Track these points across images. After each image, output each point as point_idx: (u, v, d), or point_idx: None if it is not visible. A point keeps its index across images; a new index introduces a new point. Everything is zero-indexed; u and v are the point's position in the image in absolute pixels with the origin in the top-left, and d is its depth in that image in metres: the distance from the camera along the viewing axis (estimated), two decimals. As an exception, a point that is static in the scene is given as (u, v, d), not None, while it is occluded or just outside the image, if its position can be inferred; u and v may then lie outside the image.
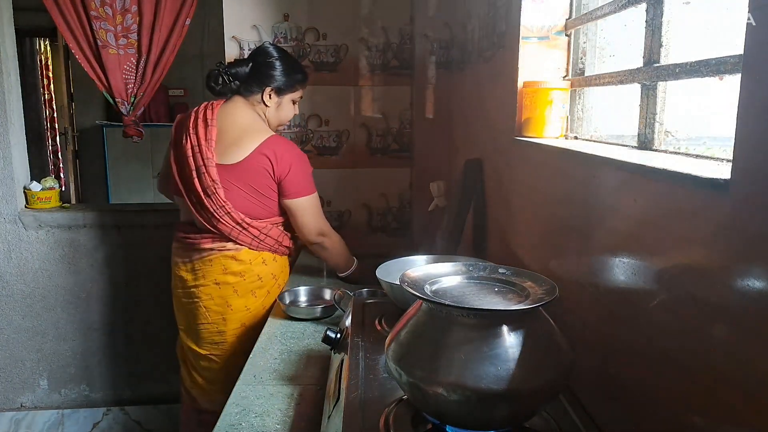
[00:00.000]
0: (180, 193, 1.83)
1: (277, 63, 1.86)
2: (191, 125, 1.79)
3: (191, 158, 1.77)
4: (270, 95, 1.86)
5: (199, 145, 1.76)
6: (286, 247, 1.94)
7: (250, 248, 1.84)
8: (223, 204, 1.77)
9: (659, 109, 0.97)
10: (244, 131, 1.80)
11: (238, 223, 1.80)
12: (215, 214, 1.77)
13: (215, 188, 1.75)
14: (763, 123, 0.57)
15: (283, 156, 1.78)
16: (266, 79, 1.85)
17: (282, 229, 1.91)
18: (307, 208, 1.85)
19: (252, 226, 1.81)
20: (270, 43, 1.95)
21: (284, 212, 1.88)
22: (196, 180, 1.76)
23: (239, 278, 1.84)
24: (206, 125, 1.78)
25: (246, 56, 2.05)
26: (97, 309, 2.73)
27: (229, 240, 1.82)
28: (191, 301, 1.87)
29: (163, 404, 2.82)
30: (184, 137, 1.79)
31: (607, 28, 1.26)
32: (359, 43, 2.53)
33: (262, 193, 1.81)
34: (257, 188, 1.80)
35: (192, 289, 1.86)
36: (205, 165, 1.75)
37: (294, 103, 1.93)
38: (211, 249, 1.83)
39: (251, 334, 1.82)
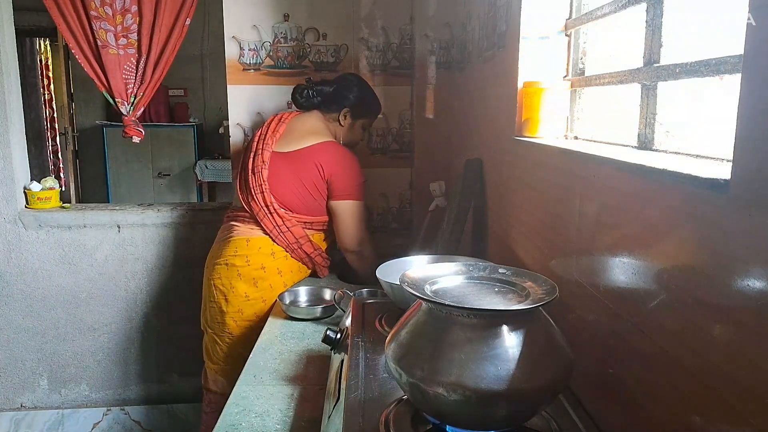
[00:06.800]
0: (236, 177, 2.03)
1: (359, 90, 2.05)
2: (266, 124, 2.01)
3: (255, 143, 1.97)
4: (345, 116, 2.03)
5: (265, 135, 1.96)
6: (306, 254, 1.96)
7: (270, 236, 1.91)
8: (262, 183, 1.89)
9: (659, 109, 0.97)
10: (309, 131, 1.97)
11: (266, 205, 1.89)
12: (252, 191, 1.90)
13: (261, 168, 1.90)
14: (763, 123, 0.57)
15: (336, 156, 1.92)
16: (346, 101, 2.02)
17: (307, 233, 1.95)
18: (351, 213, 1.95)
19: (277, 213, 1.89)
20: (353, 74, 2.19)
21: (318, 220, 1.95)
22: (250, 161, 1.94)
23: (244, 262, 1.89)
24: (279, 122, 1.99)
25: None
26: (97, 309, 2.72)
27: (254, 222, 1.91)
28: (208, 279, 1.95)
29: (163, 404, 2.81)
30: (257, 133, 2.00)
31: (607, 28, 1.26)
32: (359, 43, 2.53)
33: (306, 187, 1.91)
34: (303, 181, 1.91)
35: (212, 266, 1.95)
36: (262, 149, 1.93)
37: (364, 129, 2.12)
38: (237, 229, 1.94)
39: (250, 326, 1.87)
